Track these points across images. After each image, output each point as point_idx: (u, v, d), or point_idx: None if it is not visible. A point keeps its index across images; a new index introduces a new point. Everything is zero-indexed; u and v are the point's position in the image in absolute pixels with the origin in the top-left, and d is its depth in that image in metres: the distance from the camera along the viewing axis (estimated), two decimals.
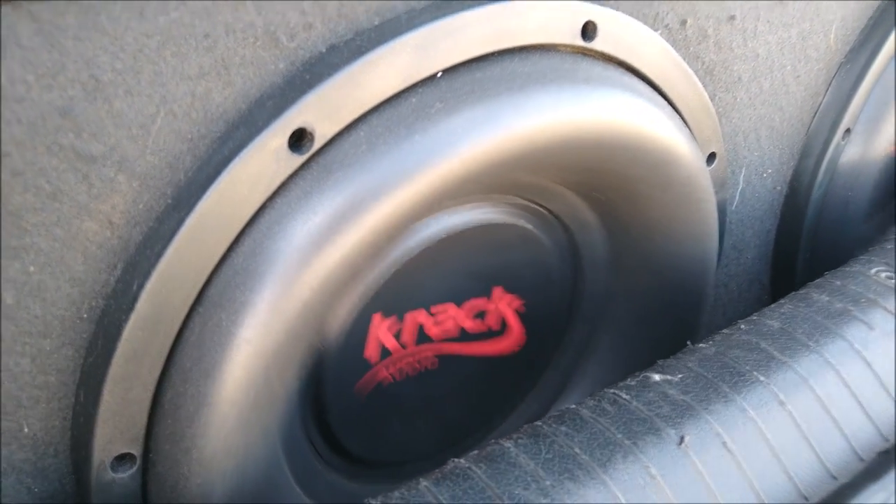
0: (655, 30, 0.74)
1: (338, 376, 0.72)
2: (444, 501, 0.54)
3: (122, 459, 0.59)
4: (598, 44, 0.69)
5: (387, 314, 0.73)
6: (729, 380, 0.63)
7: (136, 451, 0.59)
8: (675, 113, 0.76)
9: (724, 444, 0.59)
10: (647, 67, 0.74)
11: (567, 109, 0.65)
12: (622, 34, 0.71)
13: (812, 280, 0.78)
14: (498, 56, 0.64)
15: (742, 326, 0.70)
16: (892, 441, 0.63)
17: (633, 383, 0.64)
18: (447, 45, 0.61)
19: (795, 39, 0.88)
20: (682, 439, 0.58)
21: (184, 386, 0.57)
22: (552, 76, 0.65)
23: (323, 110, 0.57)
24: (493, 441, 0.60)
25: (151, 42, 0.51)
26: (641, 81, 0.73)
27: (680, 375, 0.64)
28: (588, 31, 0.68)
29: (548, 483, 0.55)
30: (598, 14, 0.68)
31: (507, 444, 0.59)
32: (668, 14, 0.75)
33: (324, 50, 0.58)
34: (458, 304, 0.78)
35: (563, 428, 0.60)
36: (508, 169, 0.66)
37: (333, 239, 0.58)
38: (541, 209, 0.79)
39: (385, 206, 0.59)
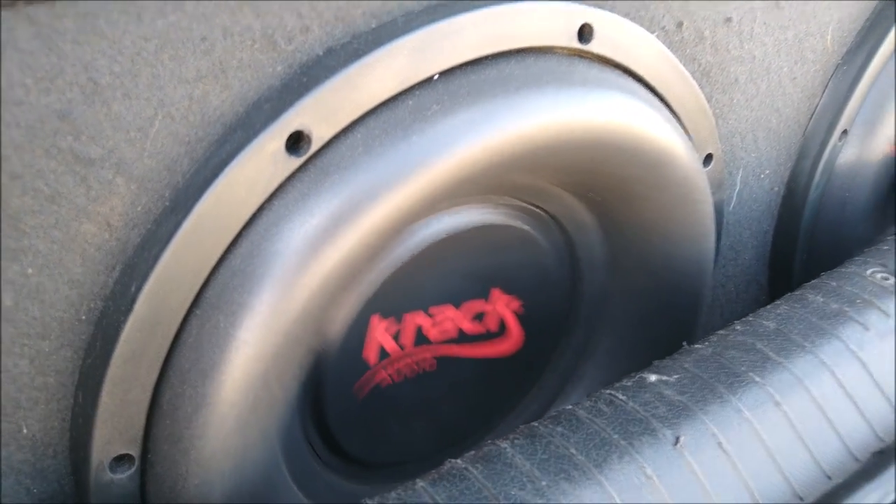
0: (652, 32, 0.74)
1: (336, 377, 0.72)
2: (440, 502, 0.54)
3: (121, 460, 0.59)
4: (594, 46, 0.69)
5: (385, 315, 0.73)
6: (725, 380, 0.63)
7: (135, 451, 0.59)
8: (671, 115, 0.77)
9: (720, 444, 0.59)
10: (644, 69, 0.74)
11: (563, 111, 0.65)
12: (618, 36, 0.71)
13: (810, 280, 0.78)
14: (494, 58, 0.64)
15: (738, 327, 0.70)
16: (887, 441, 0.64)
17: (629, 384, 0.64)
18: (444, 48, 0.61)
19: (792, 41, 0.89)
20: (677, 440, 0.59)
21: (182, 387, 0.57)
22: (548, 78, 0.65)
23: (320, 113, 0.57)
24: (489, 441, 0.61)
25: (149, 45, 0.51)
26: (638, 83, 0.74)
27: (676, 376, 0.64)
28: (584, 33, 0.68)
29: (543, 483, 0.55)
30: (595, 16, 0.69)
31: (504, 444, 0.59)
32: (664, 16, 0.75)
33: (321, 53, 0.58)
34: (457, 305, 0.78)
35: (560, 428, 0.60)
36: (505, 171, 0.66)
37: (331, 241, 0.58)
38: (538, 210, 0.79)
39: (382, 207, 0.59)
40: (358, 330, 0.72)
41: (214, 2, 0.52)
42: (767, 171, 0.96)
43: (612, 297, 0.87)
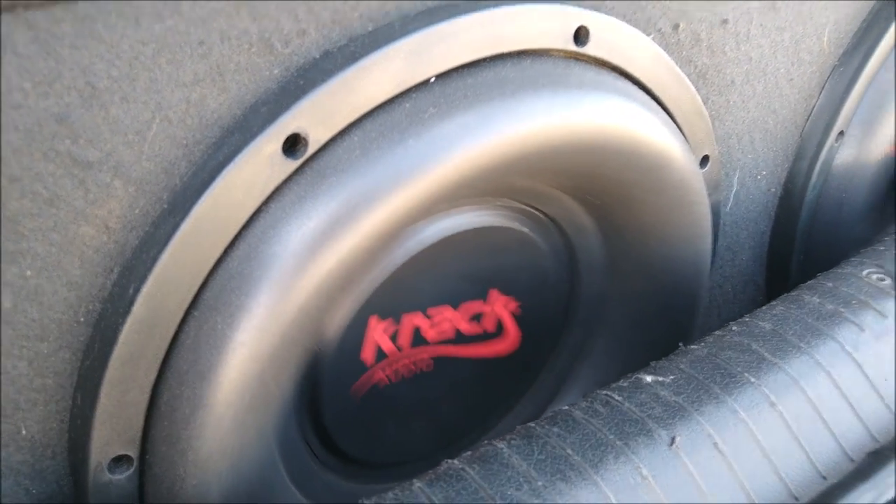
0: (648, 34, 0.74)
1: (334, 378, 0.73)
2: (437, 502, 0.55)
3: (119, 461, 0.60)
4: (590, 48, 0.70)
5: (383, 316, 0.73)
6: (720, 381, 0.64)
7: (133, 452, 0.60)
8: (668, 117, 0.77)
9: (715, 444, 0.59)
10: (640, 72, 0.74)
11: (560, 114, 0.66)
12: (615, 39, 0.71)
13: (807, 281, 0.79)
14: (491, 61, 0.65)
15: (734, 328, 0.70)
16: (882, 441, 0.64)
17: (625, 385, 0.64)
18: (440, 51, 0.61)
19: (788, 43, 0.89)
20: (673, 440, 0.59)
21: (180, 388, 0.57)
22: (545, 81, 0.66)
23: (317, 116, 0.58)
24: (486, 442, 0.61)
25: (147, 49, 0.51)
26: (634, 86, 0.74)
27: (672, 377, 0.64)
28: (580, 35, 0.69)
29: (540, 484, 0.56)
30: (591, 19, 0.69)
31: (501, 444, 0.60)
32: (660, 18, 0.75)
33: (318, 56, 0.59)
34: (455, 306, 0.78)
35: (556, 429, 0.60)
36: (502, 173, 0.66)
37: (328, 243, 0.58)
38: (536, 213, 0.80)
39: (379, 210, 0.59)
40: (356, 331, 0.72)
41: (212, 5, 0.53)
42: (764, 173, 0.96)
43: (610, 299, 0.87)
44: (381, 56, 0.59)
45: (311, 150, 0.58)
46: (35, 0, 0.46)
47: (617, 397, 0.63)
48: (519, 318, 0.83)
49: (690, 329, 0.88)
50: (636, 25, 0.73)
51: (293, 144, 0.58)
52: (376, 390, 0.76)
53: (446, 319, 0.78)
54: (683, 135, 0.80)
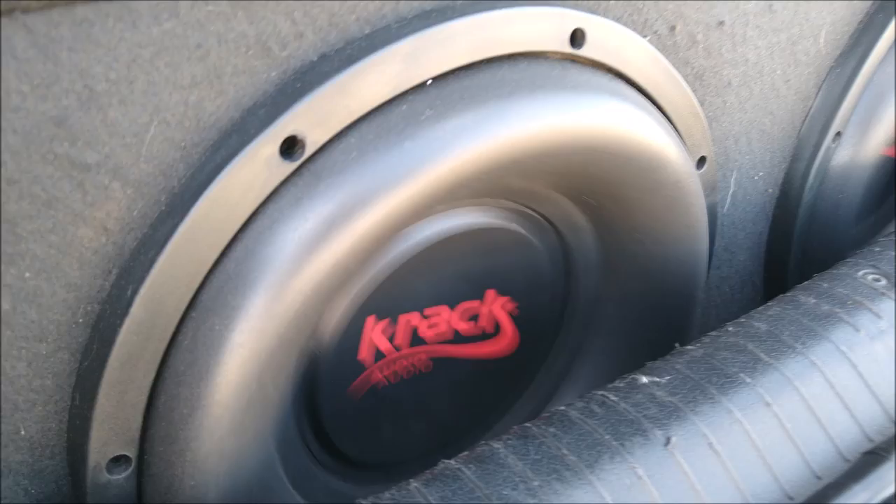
0: (644, 36, 0.75)
1: (332, 379, 0.73)
2: (433, 502, 0.55)
3: (118, 461, 0.60)
4: (586, 50, 0.70)
5: (380, 317, 0.74)
6: (716, 381, 0.64)
7: (132, 453, 0.60)
8: (664, 118, 0.77)
9: (711, 444, 0.60)
10: (636, 73, 0.74)
11: (556, 116, 0.66)
12: (611, 41, 0.71)
13: (805, 281, 0.79)
14: (487, 64, 0.65)
15: (729, 328, 0.71)
16: (877, 442, 0.64)
17: (621, 385, 0.65)
18: (436, 54, 0.62)
19: (785, 44, 0.89)
20: (668, 440, 0.59)
21: (177, 389, 0.57)
22: (541, 83, 0.66)
23: (314, 118, 0.58)
24: (483, 442, 0.61)
25: (145, 52, 0.52)
26: (630, 87, 0.74)
27: (667, 377, 0.65)
28: (577, 37, 0.69)
29: (536, 483, 0.56)
30: (587, 21, 0.69)
31: (497, 445, 0.60)
32: (656, 20, 0.76)
33: (315, 59, 0.59)
34: (452, 306, 0.79)
35: (552, 429, 0.60)
36: (498, 175, 0.66)
37: (325, 245, 0.58)
38: (533, 213, 0.80)
39: (376, 212, 0.60)
40: (353, 331, 0.72)
41: (209, 8, 0.53)
42: (761, 174, 0.96)
43: (607, 299, 0.87)
44: (378, 59, 0.59)
45: (308, 152, 0.58)
46: (33, 3, 0.47)
47: (613, 397, 0.63)
48: (516, 319, 0.84)
49: (687, 329, 0.88)
50: (632, 27, 0.73)
51: (290, 146, 0.58)
52: (374, 391, 0.77)
53: (443, 320, 0.79)
54: (680, 136, 0.80)
